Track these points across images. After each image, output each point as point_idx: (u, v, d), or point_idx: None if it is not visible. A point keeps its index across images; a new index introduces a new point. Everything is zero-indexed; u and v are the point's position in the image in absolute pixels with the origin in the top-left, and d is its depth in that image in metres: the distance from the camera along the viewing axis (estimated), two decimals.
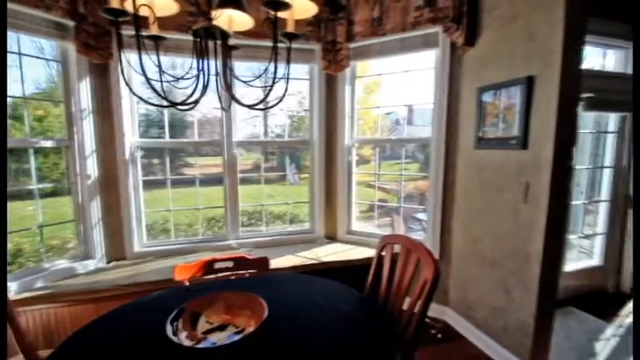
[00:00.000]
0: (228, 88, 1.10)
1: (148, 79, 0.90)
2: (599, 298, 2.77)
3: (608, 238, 2.81)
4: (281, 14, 1.02)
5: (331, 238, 2.88)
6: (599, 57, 2.61)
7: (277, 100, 1.17)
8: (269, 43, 1.16)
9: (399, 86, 2.68)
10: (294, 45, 2.71)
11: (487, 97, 1.96)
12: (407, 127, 2.86)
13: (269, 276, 1.61)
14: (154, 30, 1.01)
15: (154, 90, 0.91)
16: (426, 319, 2.41)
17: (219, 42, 1.08)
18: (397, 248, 1.45)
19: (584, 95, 2.38)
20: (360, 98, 2.87)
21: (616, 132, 2.68)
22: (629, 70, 2.62)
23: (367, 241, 2.68)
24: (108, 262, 2.33)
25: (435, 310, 2.47)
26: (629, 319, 2.45)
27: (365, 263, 1.89)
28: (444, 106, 2.28)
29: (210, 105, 2.81)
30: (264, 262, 1.68)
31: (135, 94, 1.02)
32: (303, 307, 1.24)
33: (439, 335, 2.26)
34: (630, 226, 2.75)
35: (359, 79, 2.77)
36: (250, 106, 1.13)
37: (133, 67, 0.93)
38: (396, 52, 2.46)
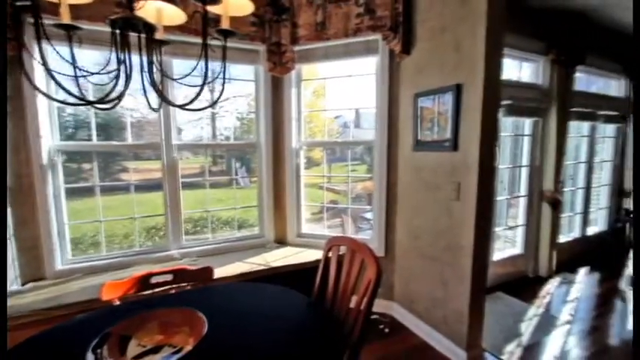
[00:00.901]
0: (155, 85, 1.01)
1: (49, 72, 0.80)
2: (521, 282, 3.12)
3: (527, 229, 3.19)
4: (214, 10, 0.98)
5: (281, 242, 2.85)
6: (517, 69, 2.95)
7: (212, 102, 1.11)
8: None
9: (346, 90, 2.75)
10: (238, 45, 2.62)
11: (423, 103, 2.09)
12: (355, 130, 2.94)
13: (213, 287, 1.53)
14: (66, 18, 0.89)
15: (60, 85, 0.81)
16: (374, 316, 2.51)
17: (145, 36, 1.00)
18: (344, 250, 1.48)
19: (505, 102, 2.67)
20: (310, 101, 2.89)
21: (530, 135, 3.06)
22: (540, 82, 3.00)
23: (318, 243, 2.70)
24: (23, 284, 2.03)
25: (382, 306, 2.57)
26: (547, 300, 2.80)
27: (315, 266, 1.88)
28: (385, 111, 2.39)
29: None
30: (207, 272, 1.60)
31: (38, 88, 0.89)
32: (247, 317, 1.19)
33: (386, 330, 2.35)
34: (544, 217, 3.14)
35: (306, 82, 2.78)
36: (181, 106, 1.06)
37: (42, 60, 0.81)
38: (340, 56, 2.52)
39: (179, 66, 2.39)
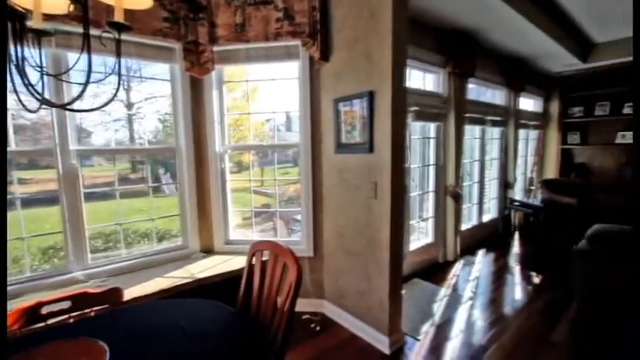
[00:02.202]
0: (25, 79, 0.87)
1: None
2: (434, 267, 3.52)
3: (435, 220, 3.61)
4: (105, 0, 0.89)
5: (208, 251, 2.70)
6: (421, 79, 3.32)
7: (106, 101, 1.00)
8: (99, 32, 0.98)
9: (276, 94, 2.73)
10: (150, 41, 2.41)
11: (342, 108, 2.22)
12: (286, 133, 2.95)
13: (122, 310, 1.38)
14: None
15: None
16: (306, 316, 2.56)
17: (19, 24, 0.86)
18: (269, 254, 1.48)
19: (413, 108, 2.99)
20: (240, 104, 2.81)
21: (435, 138, 3.47)
22: (440, 90, 3.42)
23: (247, 249, 2.63)
24: None
25: (313, 305, 2.63)
26: (454, 280, 3.20)
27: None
28: (308, 115, 2.46)
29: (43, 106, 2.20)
30: (114, 293, 1.43)
31: None
32: (160, 339, 1.11)
33: (317, 328, 2.42)
34: (449, 209, 3.59)
35: (233, 85, 2.70)
36: (62, 106, 0.94)
37: None
38: (262, 60, 2.51)
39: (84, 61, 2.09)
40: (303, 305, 2.64)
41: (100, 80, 0.97)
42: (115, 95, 0.99)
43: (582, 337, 2.14)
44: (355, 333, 2.32)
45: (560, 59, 4.29)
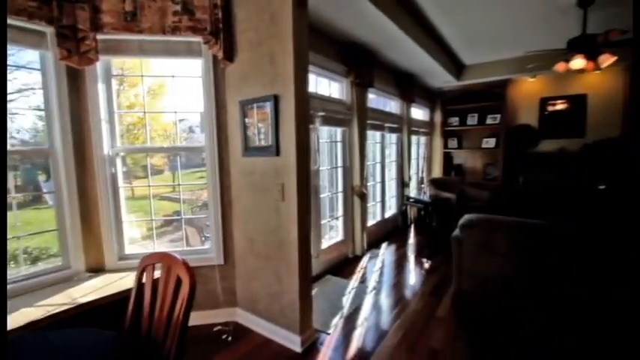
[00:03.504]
0: None
1: None
2: (344, 263, 3.75)
3: (345, 218, 3.86)
4: None
5: (97, 269, 2.34)
6: (327, 86, 3.53)
7: None
8: None
9: (185, 92, 2.51)
10: (11, 21, 1.99)
11: (249, 110, 2.19)
12: (201, 135, 2.74)
13: None
14: None
15: None
16: (217, 327, 2.44)
17: None
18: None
19: (320, 114, 3.14)
20: (146, 102, 2.51)
21: (341, 141, 3.73)
22: (345, 98, 3.69)
23: None
24: None
25: (225, 314, 2.52)
26: (361, 273, 3.47)
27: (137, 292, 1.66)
28: (213, 116, 2.36)
29: None
30: None
31: None
32: None
33: (229, 338, 2.32)
34: (356, 208, 3.88)
35: (135, 80, 2.39)
36: None
37: None
38: (159, 54, 2.30)
39: None
40: (214, 317, 2.51)
41: None
42: None
43: (459, 311, 2.57)
44: (269, 337, 2.30)
45: (440, 77, 5.09)
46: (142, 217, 2.61)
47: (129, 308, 1.34)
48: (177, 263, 1.19)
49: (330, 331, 2.36)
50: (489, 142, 5.86)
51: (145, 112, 2.58)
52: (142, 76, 2.51)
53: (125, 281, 2.19)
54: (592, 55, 3.08)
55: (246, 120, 2.22)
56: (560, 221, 2.31)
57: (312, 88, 3.21)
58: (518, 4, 3.07)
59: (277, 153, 2.04)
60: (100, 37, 2.14)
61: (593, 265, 2.08)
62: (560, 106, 5.30)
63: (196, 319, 2.47)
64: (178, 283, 1.16)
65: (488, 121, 5.78)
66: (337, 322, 2.50)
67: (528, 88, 5.54)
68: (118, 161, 2.41)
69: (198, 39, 2.22)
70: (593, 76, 4.91)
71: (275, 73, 2.00)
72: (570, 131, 5.21)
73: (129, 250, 2.49)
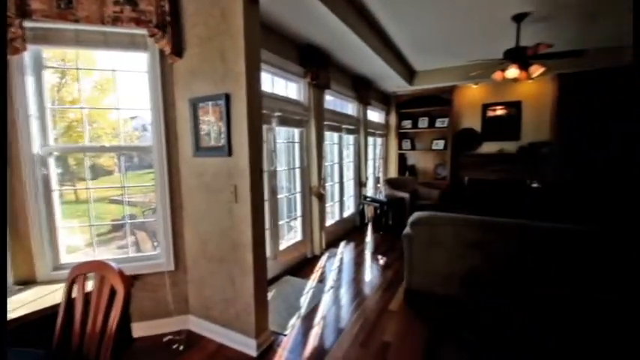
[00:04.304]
0: None
1: None
2: (303, 263, 3.76)
3: (303, 219, 3.87)
4: None
5: (27, 281, 2.10)
6: (284, 87, 3.51)
7: None
8: None
9: (135, 88, 2.32)
10: None
11: (200, 109, 2.11)
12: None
13: None
14: None
15: None
16: (167, 337, 2.31)
17: None
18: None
19: (277, 114, 3.12)
20: (93, 97, 2.29)
21: (299, 142, 3.73)
22: (302, 99, 3.71)
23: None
24: None
25: (176, 323, 2.40)
26: (319, 272, 3.50)
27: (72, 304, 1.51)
28: (161, 114, 2.23)
29: None
30: None
31: None
32: None
33: (181, 347, 2.21)
34: (314, 208, 3.91)
35: (79, 72, 2.18)
36: None
37: None
38: (98, 45, 2.12)
39: None
40: (164, 326, 2.37)
41: None
42: None
43: (410, 304, 2.70)
44: (223, 343, 2.23)
45: (394, 81, 5.31)
46: (84, 223, 2.39)
47: (57, 323, 1.21)
48: (111, 272, 1.10)
49: (287, 332, 2.35)
50: (439, 144, 6.23)
51: (83, 108, 2.37)
52: (77, 69, 2.30)
53: (60, 293, 1.99)
54: (524, 66, 3.42)
55: (197, 119, 2.13)
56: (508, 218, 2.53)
57: (268, 88, 3.18)
58: (462, 16, 3.31)
59: (229, 153, 1.99)
60: (29, 24, 1.93)
61: (532, 256, 2.30)
62: (499, 111, 5.80)
63: (145, 329, 2.32)
64: (113, 293, 1.08)
65: (438, 124, 6.15)
66: (295, 322, 2.49)
67: (472, 94, 5.99)
68: (51, 161, 2.18)
69: (143, 31, 2.09)
70: (527, 85, 5.45)
71: (226, 71, 1.94)
72: (508, 134, 5.72)
73: (67, 259, 2.27)
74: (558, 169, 5.11)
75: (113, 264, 1.14)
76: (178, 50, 2.09)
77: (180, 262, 2.39)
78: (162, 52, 2.15)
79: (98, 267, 1.17)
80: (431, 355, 2.08)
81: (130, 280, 1.91)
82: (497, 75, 3.57)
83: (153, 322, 2.36)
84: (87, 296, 1.22)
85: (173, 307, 2.42)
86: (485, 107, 5.90)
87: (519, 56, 3.37)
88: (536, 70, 3.39)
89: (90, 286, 1.27)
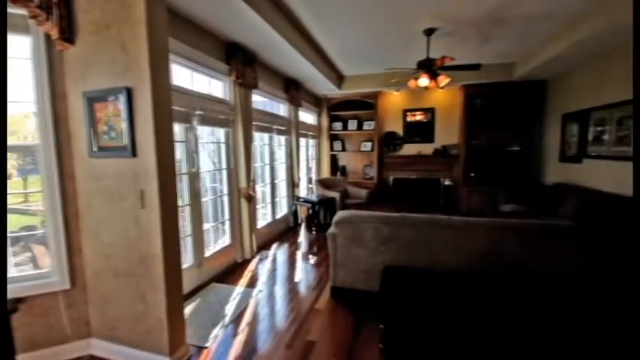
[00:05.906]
0: None
1: None
2: (232, 268, 3.60)
3: (232, 222, 3.72)
4: None
5: None
6: (207, 84, 3.32)
7: None
8: None
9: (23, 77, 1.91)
10: None
11: (96, 103, 1.86)
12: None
13: None
14: None
15: None
16: None
17: None
18: None
19: (198, 112, 2.94)
20: None
21: (225, 142, 3.57)
22: (227, 98, 3.56)
23: None
24: None
25: (76, 349, 2.09)
26: (249, 276, 3.39)
27: None
28: (48, 108, 1.91)
29: None
30: None
31: None
32: None
33: None
34: (243, 210, 3.78)
35: None
36: None
37: None
38: None
39: None
40: (61, 354, 2.06)
41: None
42: None
43: (335, 301, 2.78)
44: None
45: (324, 84, 5.44)
46: None
47: None
48: None
49: (208, 344, 2.21)
50: (367, 146, 6.58)
51: None
52: None
53: None
54: (434, 75, 3.79)
55: (94, 115, 1.88)
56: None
57: (187, 84, 2.97)
58: (380, 27, 3.53)
59: (134, 154, 1.79)
60: None
61: (441, 245, 2.53)
62: (418, 116, 6.36)
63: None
64: None
65: (365, 127, 6.49)
66: (217, 332, 2.36)
67: (394, 100, 6.46)
68: None
69: (22, 11, 1.76)
70: (439, 93, 6.07)
71: (127, 62, 1.74)
72: (425, 137, 6.32)
73: None
74: (464, 169, 5.81)
75: None
76: (68, 36, 1.81)
77: (77, 279, 2.09)
78: (48, 38, 1.84)
79: None
80: (352, 351, 2.16)
81: (11, 305, 1.60)
82: (412, 83, 3.90)
83: (47, 351, 2.02)
84: None
85: (70, 331, 2.10)
86: (406, 112, 6.41)
87: (429, 67, 3.72)
88: (444, 79, 3.79)
89: None
